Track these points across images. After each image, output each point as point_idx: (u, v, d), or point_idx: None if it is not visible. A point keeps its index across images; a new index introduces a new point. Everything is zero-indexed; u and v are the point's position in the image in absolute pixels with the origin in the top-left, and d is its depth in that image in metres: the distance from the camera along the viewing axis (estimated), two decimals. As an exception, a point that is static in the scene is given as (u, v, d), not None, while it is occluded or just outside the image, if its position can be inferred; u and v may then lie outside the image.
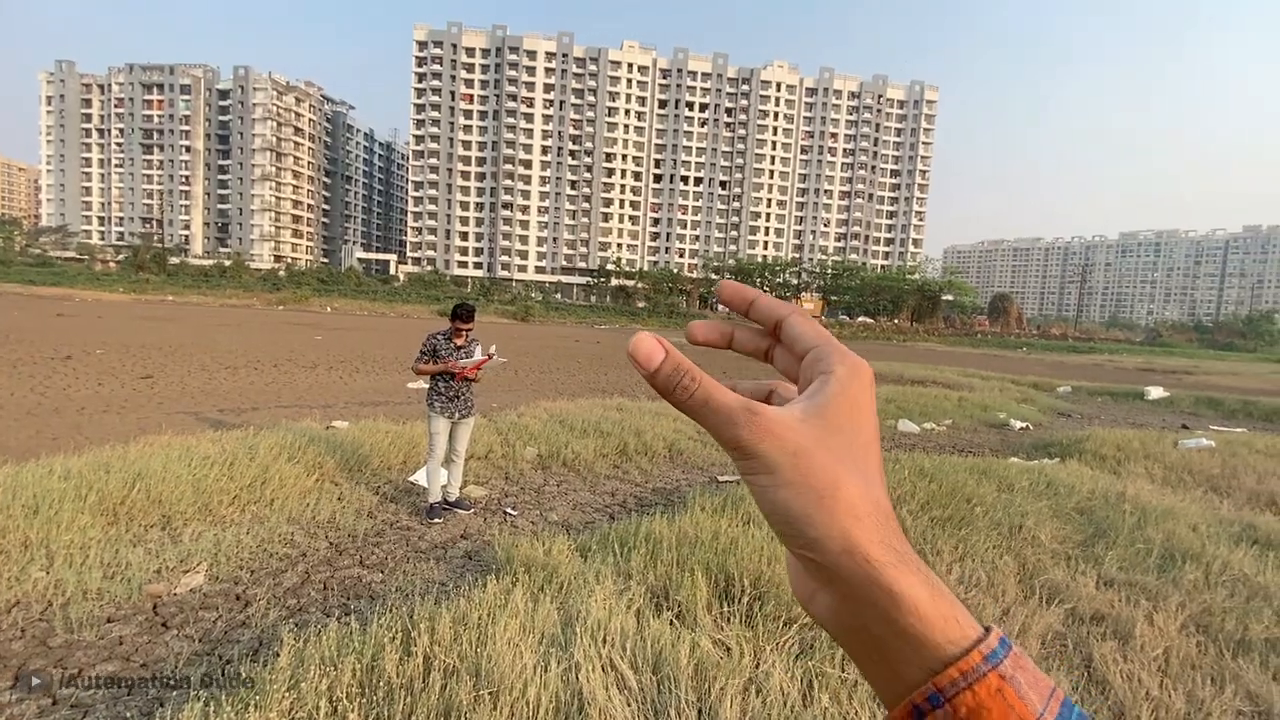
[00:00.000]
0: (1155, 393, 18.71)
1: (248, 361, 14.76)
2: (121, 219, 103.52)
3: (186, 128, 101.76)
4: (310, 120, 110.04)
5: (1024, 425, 12.10)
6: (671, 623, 3.12)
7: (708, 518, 4.54)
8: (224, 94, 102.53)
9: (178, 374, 12.20)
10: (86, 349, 15.00)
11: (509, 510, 5.52)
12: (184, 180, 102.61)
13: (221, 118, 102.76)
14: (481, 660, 2.52)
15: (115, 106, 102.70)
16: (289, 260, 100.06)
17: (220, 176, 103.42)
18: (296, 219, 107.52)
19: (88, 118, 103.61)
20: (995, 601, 3.64)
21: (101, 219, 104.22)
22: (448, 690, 2.34)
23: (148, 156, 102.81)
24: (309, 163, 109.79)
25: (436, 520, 5.08)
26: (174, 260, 76.82)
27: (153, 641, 3.22)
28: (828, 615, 0.32)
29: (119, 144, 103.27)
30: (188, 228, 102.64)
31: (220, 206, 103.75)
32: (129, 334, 19.59)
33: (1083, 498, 5.82)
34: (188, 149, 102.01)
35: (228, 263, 76.89)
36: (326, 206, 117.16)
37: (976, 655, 0.28)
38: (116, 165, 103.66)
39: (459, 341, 5.24)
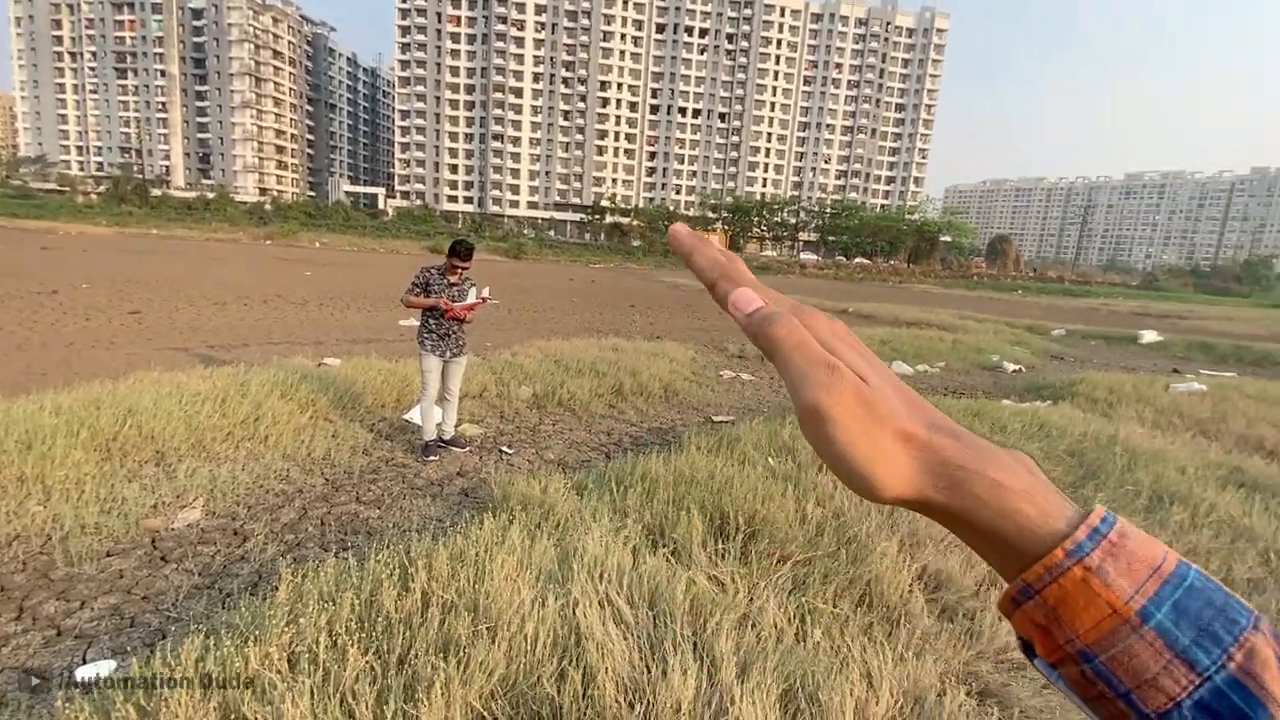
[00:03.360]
0: (1149, 337, 18.79)
1: (236, 297, 14.52)
2: (100, 148, 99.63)
3: (160, 50, 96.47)
4: (290, 43, 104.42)
5: (1017, 368, 12.16)
6: (667, 559, 3.15)
7: (703, 457, 4.56)
8: (197, 13, 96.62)
9: (165, 309, 12.00)
10: (73, 283, 14.68)
11: (505, 449, 5.53)
12: (161, 107, 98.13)
13: (196, 39, 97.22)
14: (479, 596, 2.54)
15: (86, 27, 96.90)
16: (274, 193, 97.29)
17: (199, 103, 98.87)
18: (280, 149, 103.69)
19: (58, 40, 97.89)
20: (985, 540, 3.71)
21: (80, 148, 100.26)
22: (446, 625, 2.36)
23: (122, 81, 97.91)
24: (290, 89, 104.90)
25: (432, 458, 5.09)
26: (156, 192, 74.39)
27: (153, 575, 3.24)
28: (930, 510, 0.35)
29: (92, 68, 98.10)
30: (168, 158, 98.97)
31: (200, 135, 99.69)
32: (114, 268, 19.16)
33: (1074, 440, 5.88)
34: (162, 73, 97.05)
35: (211, 195, 74.59)
36: (310, 136, 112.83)
37: (1060, 552, 0.30)
38: (91, 91, 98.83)
39: (452, 279, 5.10)
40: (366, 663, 2.14)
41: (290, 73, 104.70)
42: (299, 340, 9.80)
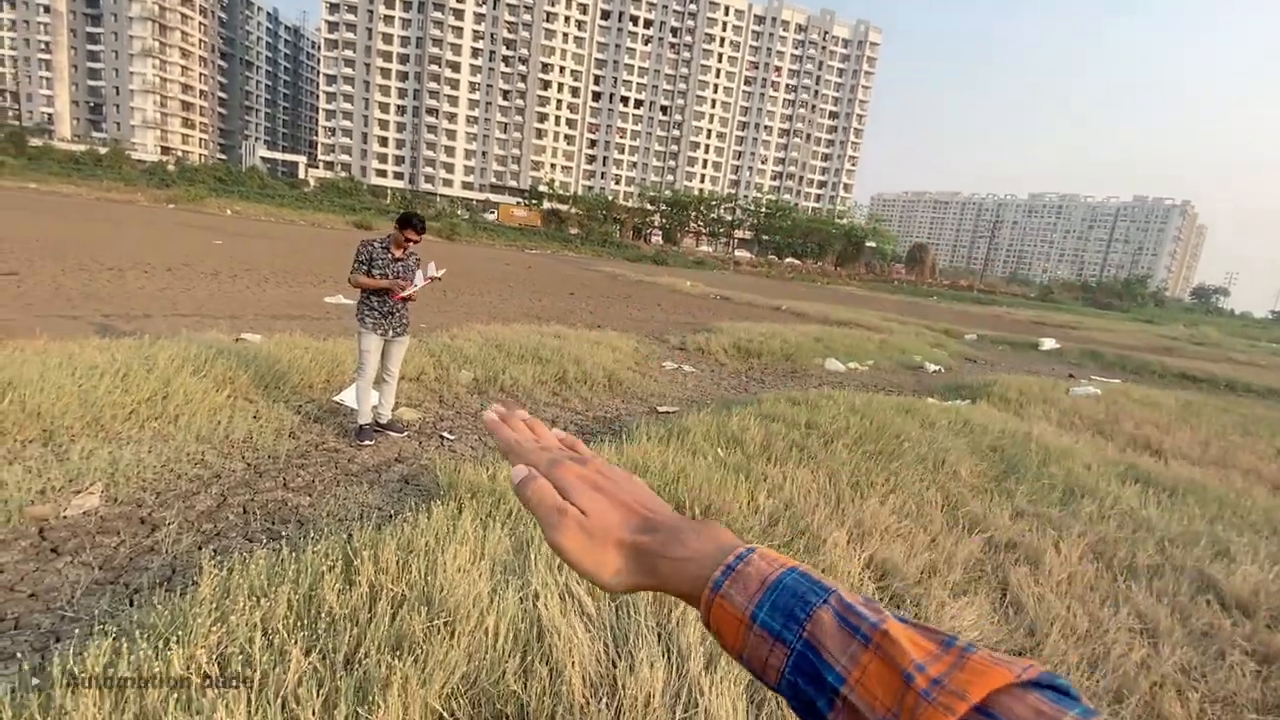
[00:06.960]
0: (1048, 344, 20.40)
1: (135, 263, 13.20)
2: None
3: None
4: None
5: (937, 368, 12.87)
6: (625, 550, 3.08)
7: (655, 447, 4.52)
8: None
9: (49, 273, 10.74)
10: (-71, 237, 12.90)
11: (446, 434, 5.29)
12: (44, 46, 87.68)
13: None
14: (433, 589, 2.38)
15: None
16: (179, 153, 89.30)
17: (90, 47, 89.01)
18: (187, 105, 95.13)
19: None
20: (924, 530, 3.87)
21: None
22: (399, 620, 2.20)
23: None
24: (200, 40, 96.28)
25: (367, 443, 4.79)
26: (35, 142, 66.49)
27: (41, 569, 2.86)
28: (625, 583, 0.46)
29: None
30: (51, 104, 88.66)
31: (91, 83, 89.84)
32: (-16, 223, 16.98)
33: (995, 437, 6.26)
34: (46, 9, 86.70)
35: (104, 150, 67.53)
36: (223, 95, 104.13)
37: (706, 591, 0.40)
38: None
39: (398, 254, 4.80)
40: (310, 664, 1.96)
41: (201, 23, 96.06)
42: (210, 314, 9.02)
